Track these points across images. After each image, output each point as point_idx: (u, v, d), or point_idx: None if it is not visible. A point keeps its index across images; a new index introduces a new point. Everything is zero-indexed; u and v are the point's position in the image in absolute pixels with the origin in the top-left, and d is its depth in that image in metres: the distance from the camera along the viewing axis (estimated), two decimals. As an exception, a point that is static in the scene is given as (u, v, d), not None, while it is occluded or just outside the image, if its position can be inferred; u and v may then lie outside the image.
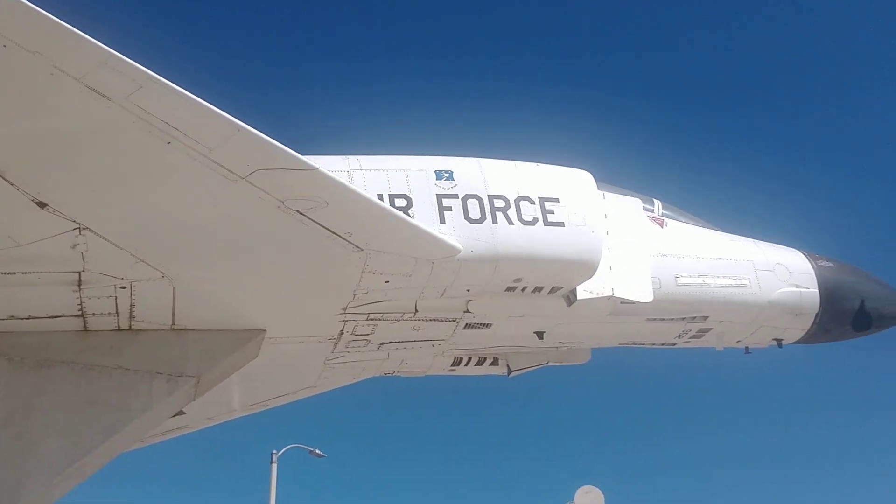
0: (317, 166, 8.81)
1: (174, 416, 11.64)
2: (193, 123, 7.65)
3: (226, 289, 10.37)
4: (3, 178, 7.77)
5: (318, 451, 37.98)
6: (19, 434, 9.65)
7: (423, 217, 10.43)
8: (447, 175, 10.92)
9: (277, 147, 8.25)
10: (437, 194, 10.71)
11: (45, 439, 9.72)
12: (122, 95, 7.15)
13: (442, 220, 10.51)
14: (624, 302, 11.79)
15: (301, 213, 9.16)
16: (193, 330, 10.90)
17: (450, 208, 10.60)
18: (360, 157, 11.12)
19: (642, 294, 11.89)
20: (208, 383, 11.10)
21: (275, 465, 34.89)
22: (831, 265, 13.68)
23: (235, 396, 13.35)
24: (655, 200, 13.24)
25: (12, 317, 9.96)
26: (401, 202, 10.55)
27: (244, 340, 11.17)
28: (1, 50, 6.49)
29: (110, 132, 7.55)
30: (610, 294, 11.56)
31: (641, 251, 12.25)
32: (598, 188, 11.79)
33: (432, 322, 11.90)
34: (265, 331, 11.32)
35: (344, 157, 11.01)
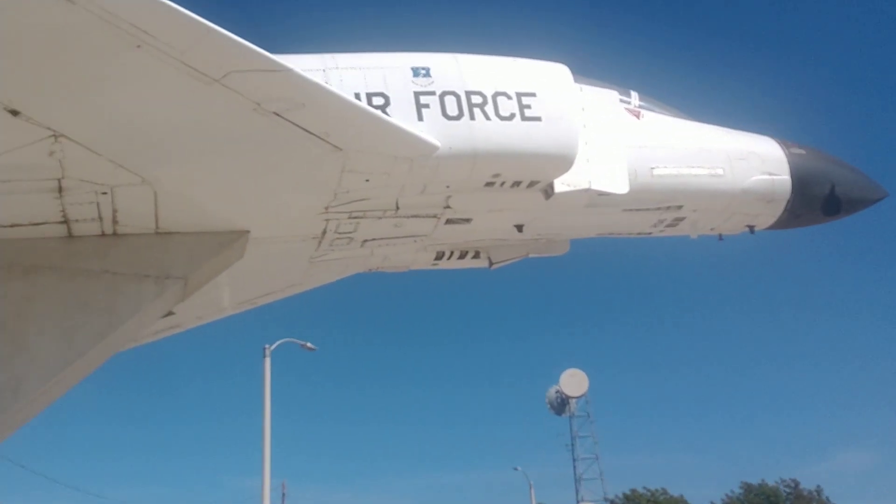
0: (291, 66, 8.76)
1: (164, 316, 11.94)
2: (161, 26, 7.55)
3: (206, 192, 10.47)
4: None
5: (309, 344, 38.95)
6: (14, 339, 9.92)
7: (401, 115, 10.43)
8: (424, 72, 10.85)
9: (250, 48, 8.19)
10: (414, 91, 10.68)
11: (40, 343, 10.00)
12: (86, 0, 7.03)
13: (420, 118, 10.53)
14: (601, 194, 11.98)
15: (278, 115, 9.16)
16: (178, 233, 11.06)
17: (427, 105, 10.60)
18: (335, 55, 10.99)
19: (618, 185, 12.08)
20: (196, 284, 11.36)
21: (268, 360, 35.84)
22: (803, 152, 13.86)
23: (224, 295, 13.63)
24: (632, 92, 13.25)
25: (-1, 225, 10.08)
26: (378, 101, 10.52)
27: (229, 242, 11.36)
28: None
29: (77, 37, 7.44)
30: (587, 186, 11.74)
31: (618, 143, 12.36)
32: (575, 81, 11.77)
33: (414, 219, 12.10)
34: (249, 232, 11.49)
35: (319, 55, 10.89)
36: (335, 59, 10.86)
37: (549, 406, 75.04)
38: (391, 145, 10.26)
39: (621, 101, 12.97)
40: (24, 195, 9.62)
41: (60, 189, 9.71)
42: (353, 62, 10.85)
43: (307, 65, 10.32)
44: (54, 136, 8.66)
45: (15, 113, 8.17)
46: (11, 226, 10.15)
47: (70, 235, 10.61)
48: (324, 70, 10.60)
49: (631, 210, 13.04)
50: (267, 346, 36.15)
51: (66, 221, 10.31)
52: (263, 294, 14.23)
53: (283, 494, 63.83)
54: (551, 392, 74.64)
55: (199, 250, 11.17)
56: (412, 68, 10.82)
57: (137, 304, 10.62)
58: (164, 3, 7.33)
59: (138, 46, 7.65)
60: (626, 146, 12.44)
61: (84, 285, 10.48)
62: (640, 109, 13.10)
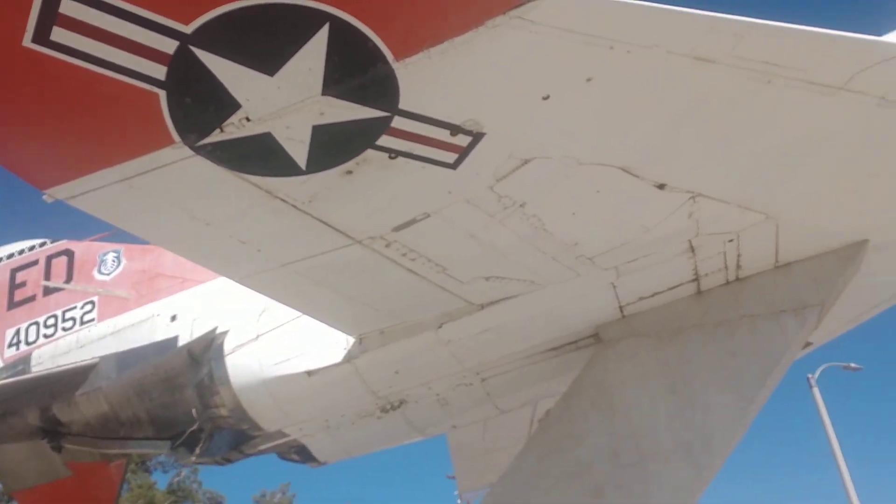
0: None
1: (803, 348, 11.67)
2: (790, 53, 7.51)
3: (825, 210, 10.09)
4: (629, 172, 8.39)
5: (853, 364, 35.83)
6: (690, 400, 10.41)
7: None
8: None
9: (874, 42, 7.75)
10: None
11: (713, 399, 10.36)
12: (725, 53, 7.26)
13: None
14: None
15: None
16: (797, 261, 10.82)
17: None
18: None
19: None
20: (826, 308, 10.93)
21: (816, 390, 33.68)
22: None
23: (842, 313, 12.94)
24: None
25: (640, 298, 10.86)
26: None
27: (849, 256, 10.77)
28: (623, 55, 6.91)
29: (718, 93, 7.73)
30: None
31: None
32: None
33: None
34: (868, 241, 10.79)
35: None
36: None
37: None
38: None
39: None
40: (663, 263, 10.24)
41: (692, 248, 10.15)
42: None
43: None
44: (693, 196, 9.08)
45: (662, 187, 8.73)
46: (652, 295, 10.86)
47: (699, 291, 11.01)
48: None
49: None
50: (809, 375, 34.10)
51: (696, 279, 10.73)
52: (878, 303, 13.23)
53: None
54: None
55: (823, 273, 10.76)
56: None
57: (784, 341, 10.51)
58: (792, 30, 7.29)
59: (768, 82, 7.67)
60: None
61: (728, 335, 10.71)
62: None
